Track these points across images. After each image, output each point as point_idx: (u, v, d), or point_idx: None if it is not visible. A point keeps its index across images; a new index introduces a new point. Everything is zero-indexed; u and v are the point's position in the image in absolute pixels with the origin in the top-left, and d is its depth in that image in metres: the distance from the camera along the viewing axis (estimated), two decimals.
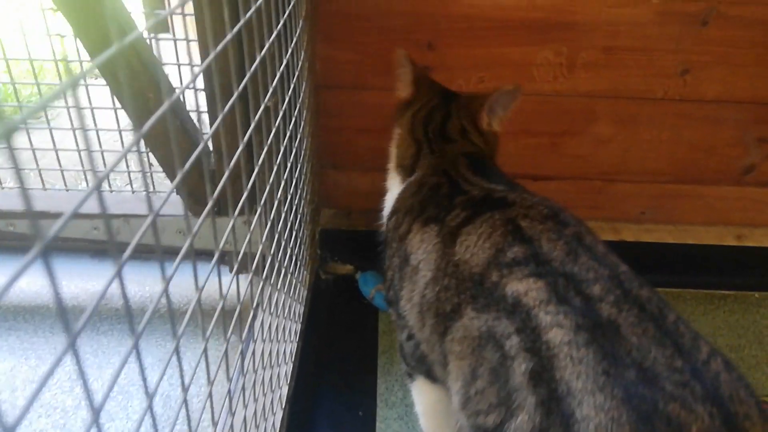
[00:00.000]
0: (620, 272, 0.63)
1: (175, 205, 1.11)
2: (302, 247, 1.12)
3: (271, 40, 0.63)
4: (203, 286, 0.42)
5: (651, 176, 1.33)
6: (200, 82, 1.04)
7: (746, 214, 1.37)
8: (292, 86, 1.00)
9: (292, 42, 0.97)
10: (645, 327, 0.55)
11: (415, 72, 0.99)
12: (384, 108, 1.26)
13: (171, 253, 0.42)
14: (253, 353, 0.72)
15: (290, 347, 0.97)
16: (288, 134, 0.96)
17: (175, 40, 1.21)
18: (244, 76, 0.52)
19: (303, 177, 1.07)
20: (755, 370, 1.16)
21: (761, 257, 1.35)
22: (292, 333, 1.00)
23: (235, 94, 0.47)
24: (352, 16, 1.17)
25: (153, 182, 1.40)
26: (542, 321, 0.56)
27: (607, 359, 0.51)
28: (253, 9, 0.55)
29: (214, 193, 0.44)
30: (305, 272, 1.16)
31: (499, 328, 0.59)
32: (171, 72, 1.39)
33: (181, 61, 1.20)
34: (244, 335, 0.61)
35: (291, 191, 1.00)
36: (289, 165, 0.96)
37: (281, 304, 1.00)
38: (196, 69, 0.41)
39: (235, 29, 0.46)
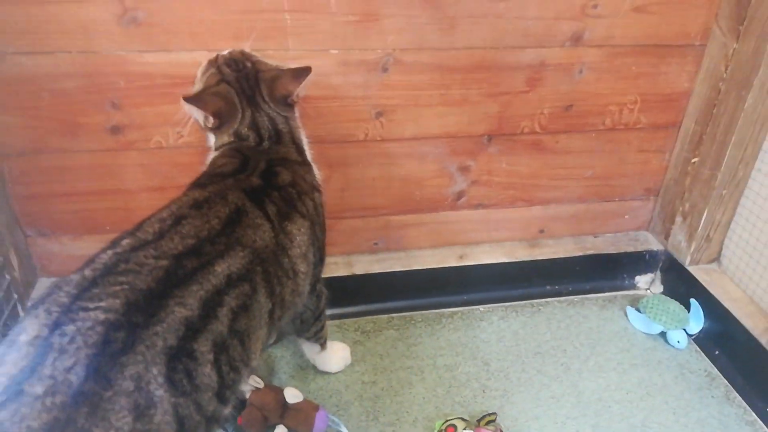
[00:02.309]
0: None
1: None
2: None
3: None
4: None
5: (373, 211, 1.39)
6: None
7: (465, 235, 1.48)
8: None
9: None
10: None
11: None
12: (74, 170, 1.19)
13: None
14: None
15: None
16: None
17: None
18: None
19: None
20: (464, 388, 1.25)
21: (482, 273, 1.47)
22: None
23: None
24: (14, 80, 1.08)
25: None
26: None
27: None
28: None
29: None
30: None
31: None
32: None
33: None
34: None
35: None
36: None
37: None
38: None
39: None
